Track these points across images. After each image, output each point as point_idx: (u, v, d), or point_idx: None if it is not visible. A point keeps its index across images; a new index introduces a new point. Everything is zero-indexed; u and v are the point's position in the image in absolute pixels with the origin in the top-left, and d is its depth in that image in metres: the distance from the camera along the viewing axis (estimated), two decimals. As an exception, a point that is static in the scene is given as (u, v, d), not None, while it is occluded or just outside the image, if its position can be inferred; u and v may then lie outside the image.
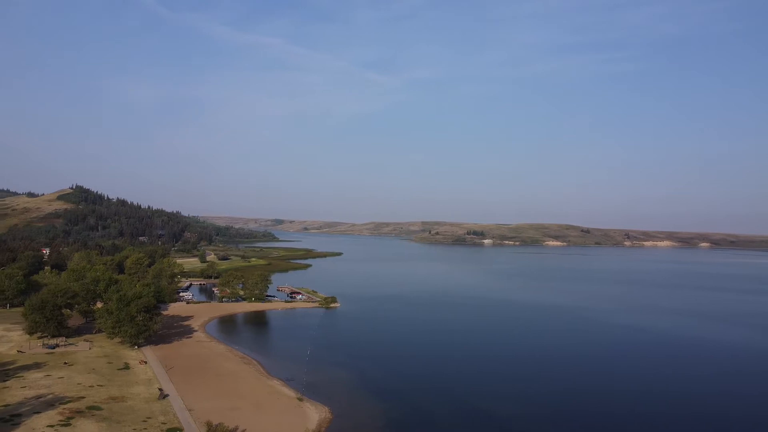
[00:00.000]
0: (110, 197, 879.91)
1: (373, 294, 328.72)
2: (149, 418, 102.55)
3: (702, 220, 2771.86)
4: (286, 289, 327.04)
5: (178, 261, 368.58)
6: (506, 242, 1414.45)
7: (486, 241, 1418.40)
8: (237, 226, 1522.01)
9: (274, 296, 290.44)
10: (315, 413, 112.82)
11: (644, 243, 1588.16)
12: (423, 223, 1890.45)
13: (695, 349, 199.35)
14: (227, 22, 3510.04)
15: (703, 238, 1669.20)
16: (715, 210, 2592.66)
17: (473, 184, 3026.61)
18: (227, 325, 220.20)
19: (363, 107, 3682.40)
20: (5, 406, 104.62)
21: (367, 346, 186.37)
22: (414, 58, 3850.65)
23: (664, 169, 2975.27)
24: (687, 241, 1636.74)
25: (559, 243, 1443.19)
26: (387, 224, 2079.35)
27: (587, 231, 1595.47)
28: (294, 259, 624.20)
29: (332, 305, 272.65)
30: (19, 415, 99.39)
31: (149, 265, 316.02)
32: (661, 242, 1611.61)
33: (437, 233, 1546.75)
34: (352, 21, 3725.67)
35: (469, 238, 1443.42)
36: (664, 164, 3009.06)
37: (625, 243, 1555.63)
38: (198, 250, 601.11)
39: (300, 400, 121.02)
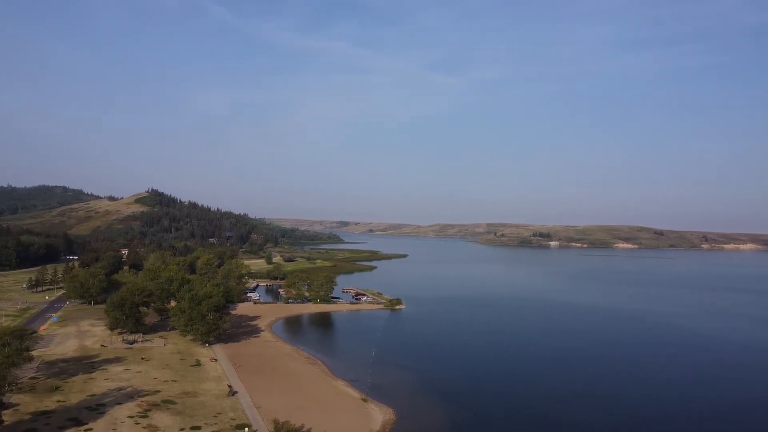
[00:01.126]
0: (182, 200, 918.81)
1: (438, 296, 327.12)
2: (219, 413, 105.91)
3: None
4: (351, 290, 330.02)
5: (246, 262, 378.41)
6: (573, 244, 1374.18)
7: (552, 243, 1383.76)
8: (302, 228, 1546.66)
9: (339, 298, 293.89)
10: (379, 414, 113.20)
11: (724, 246, 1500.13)
12: (488, 224, 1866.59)
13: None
14: (293, 27, 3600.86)
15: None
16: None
17: (540, 184, 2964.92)
18: (293, 326, 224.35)
19: (428, 109, 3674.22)
20: (91, 395, 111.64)
21: (432, 348, 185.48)
22: (479, 57, 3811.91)
23: (749, 167, 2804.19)
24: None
25: (629, 245, 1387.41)
26: (452, 226, 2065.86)
27: (660, 233, 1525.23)
28: (359, 261, 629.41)
29: (397, 307, 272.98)
30: (104, 405, 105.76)
31: (218, 266, 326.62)
32: (744, 245, 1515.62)
33: (502, 235, 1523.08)
34: (416, 22, 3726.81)
35: (535, 240, 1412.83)
36: (751, 163, 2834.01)
37: (703, 246, 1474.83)
38: (264, 252, 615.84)
39: (364, 401, 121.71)
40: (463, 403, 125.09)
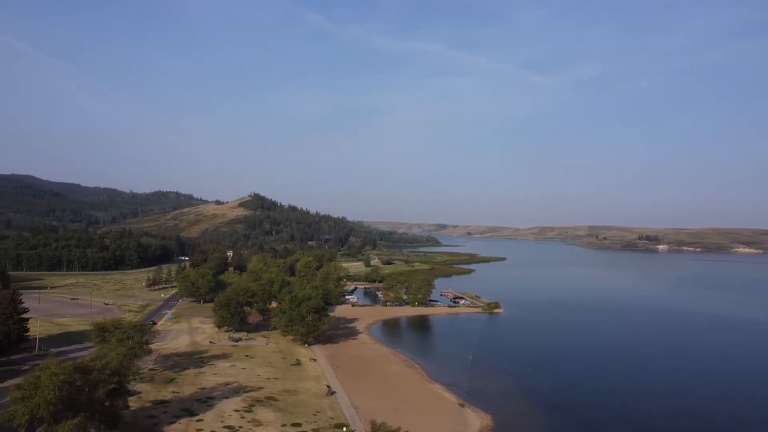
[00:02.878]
0: (282, 204, 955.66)
1: (537, 300, 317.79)
2: (318, 412, 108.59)
3: None
4: (449, 293, 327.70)
5: (344, 265, 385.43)
6: (684, 248, 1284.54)
7: (660, 247, 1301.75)
8: (400, 231, 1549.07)
9: (437, 301, 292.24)
10: (476, 420, 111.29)
11: None
12: (590, 227, 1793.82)
13: None
14: (387, 32, 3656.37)
15: None
16: None
17: (645, 185, 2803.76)
18: (391, 328, 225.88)
19: (526, 109, 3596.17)
20: (202, 389, 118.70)
21: (531, 355, 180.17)
22: (577, 55, 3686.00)
23: None
24: None
25: (751, 250, 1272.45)
26: (551, 228, 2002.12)
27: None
28: (457, 264, 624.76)
29: (495, 311, 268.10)
30: (212, 398, 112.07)
31: (317, 268, 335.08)
32: None
33: (605, 238, 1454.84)
34: (512, 21, 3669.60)
35: (640, 244, 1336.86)
36: None
37: None
38: (362, 255, 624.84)
39: (461, 405, 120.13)
40: (563, 413, 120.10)
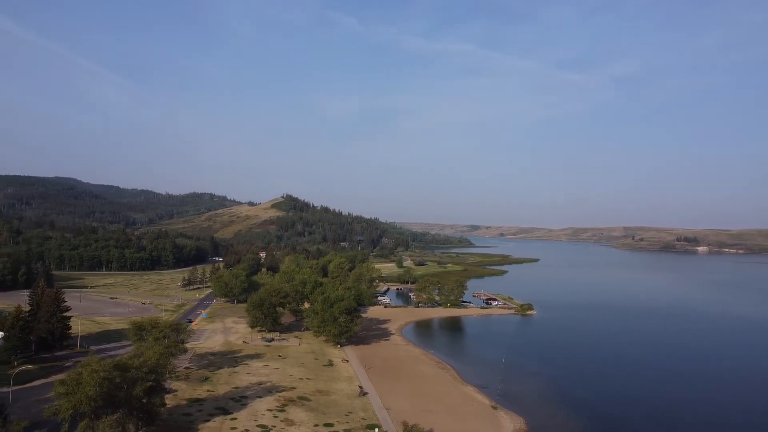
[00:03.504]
0: (315, 205, 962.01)
1: (571, 302, 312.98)
2: (350, 412, 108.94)
3: None
4: (482, 295, 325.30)
5: (376, 266, 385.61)
6: (725, 250, 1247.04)
7: (700, 249, 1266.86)
8: (433, 232, 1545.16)
9: (469, 302, 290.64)
10: (509, 423, 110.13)
11: None
12: (625, 228, 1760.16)
13: None
14: (419, 32, 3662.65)
15: None
16: None
17: (683, 186, 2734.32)
18: (423, 330, 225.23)
19: (560, 108, 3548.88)
20: (236, 388, 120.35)
21: (566, 357, 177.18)
22: (614, 52, 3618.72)
23: None
24: None
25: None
26: (585, 230, 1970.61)
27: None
28: (490, 265, 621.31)
29: (528, 312, 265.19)
30: (246, 398, 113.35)
31: (350, 270, 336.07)
32: None
33: (641, 239, 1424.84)
34: (544, 20, 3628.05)
35: (679, 245, 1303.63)
36: None
37: None
38: (395, 256, 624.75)
39: (494, 408, 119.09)
40: (598, 417, 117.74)
